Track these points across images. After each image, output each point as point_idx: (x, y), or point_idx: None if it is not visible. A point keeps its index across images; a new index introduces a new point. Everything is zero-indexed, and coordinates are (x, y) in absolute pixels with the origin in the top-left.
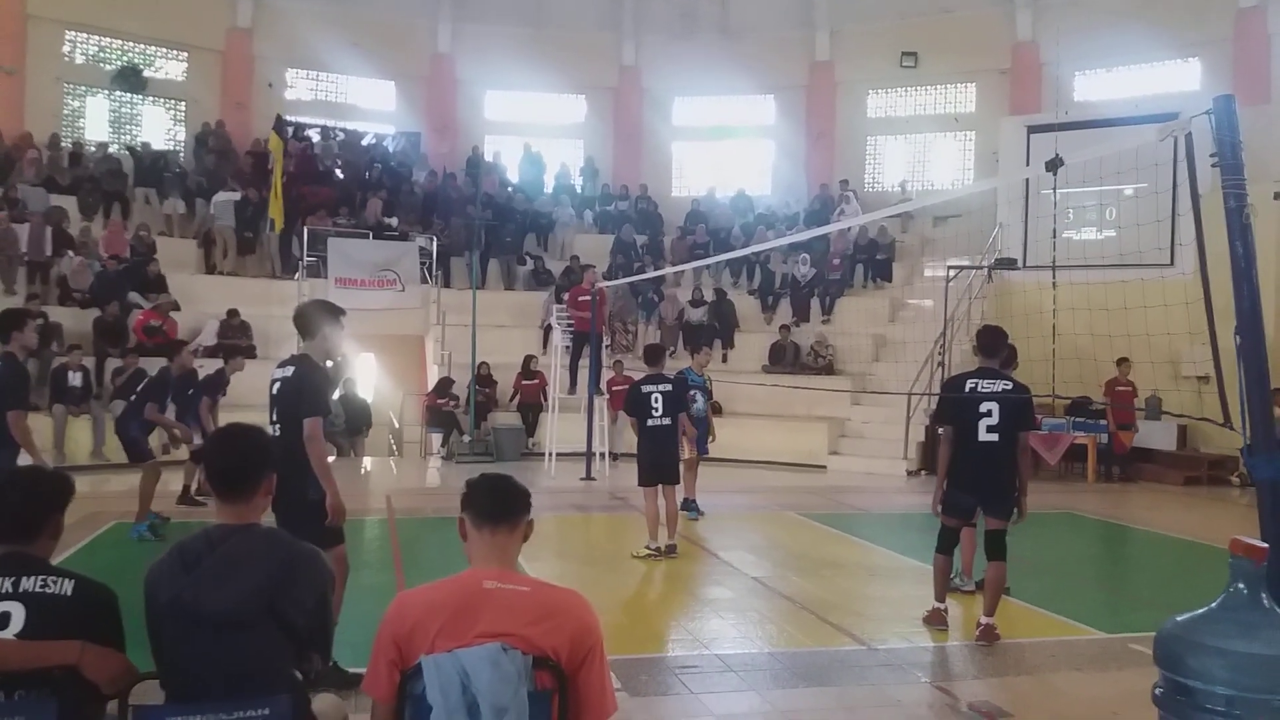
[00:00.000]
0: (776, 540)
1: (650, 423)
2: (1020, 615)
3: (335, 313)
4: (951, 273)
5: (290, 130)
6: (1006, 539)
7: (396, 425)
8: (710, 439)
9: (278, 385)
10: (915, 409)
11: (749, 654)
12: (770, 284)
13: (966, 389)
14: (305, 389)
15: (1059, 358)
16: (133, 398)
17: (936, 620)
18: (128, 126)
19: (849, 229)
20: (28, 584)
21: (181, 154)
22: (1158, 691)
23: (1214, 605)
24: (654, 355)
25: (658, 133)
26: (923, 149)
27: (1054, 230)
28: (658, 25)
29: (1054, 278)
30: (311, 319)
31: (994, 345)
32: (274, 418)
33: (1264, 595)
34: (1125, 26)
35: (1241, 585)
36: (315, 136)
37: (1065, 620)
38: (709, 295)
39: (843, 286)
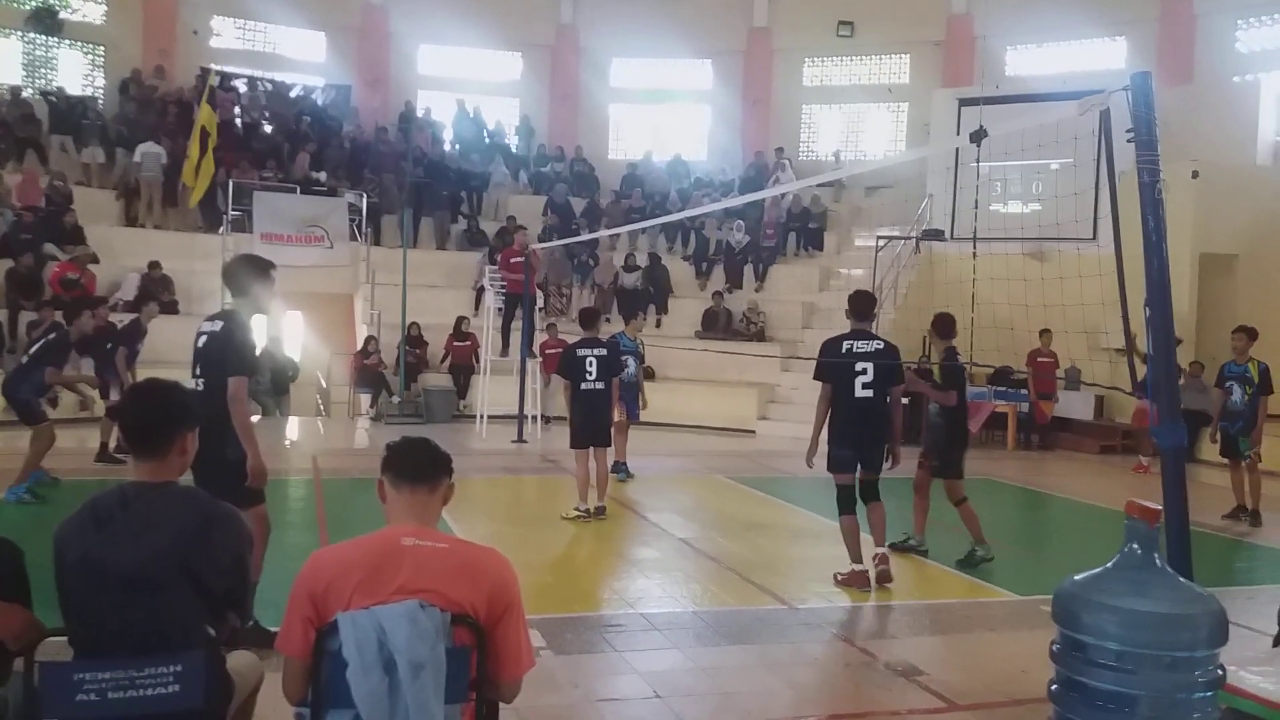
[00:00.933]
0: (704, 503)
1: (584, 386)
2: (937, 578)
3: (266, 268)
4: (881, 242)
5: (218, 79)
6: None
7: (324, 385)
8: (641, 406)
9: (204, 340)
10: None
11: (674, 613)
12: (705, 250)
13: (844, 350)
14: (232, 346)
15: (980, 327)
16: (24, 359)
17: (858, 582)
18: (42, 70)
19: (783, 197)
20: None
21: (101, 101)
22: (1055, 647)
23: (1109, 565)
24: (589, 319)
25: (595, 94)
26: (856, 119)
27: (975, 201)
28: None
29: (974, 249)
30: (241, 275)
31: (865, 309)
32: (197, 373)
33: (1156, 555)
34: (1056, 3)
35: (1135, 546)
36: (242, 87)
37: (980, 583)
38: (643, 260)
39: (775, 254)
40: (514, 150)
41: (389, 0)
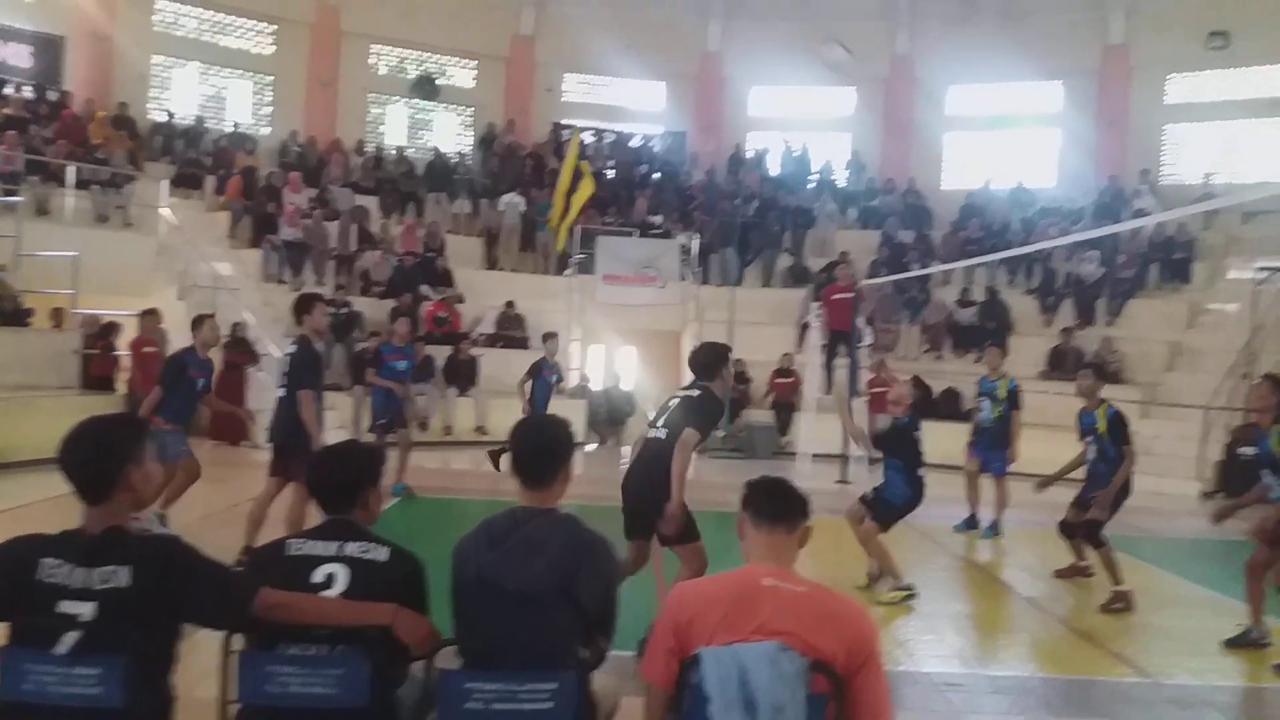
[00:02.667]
0: (1052, 560)
1: None
2: None
3: (727, 353)
4: (1262, 274)
5: (565, 133)
6: None
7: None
8: (1009, 457)
9: (678, 400)
10: (1214, 425)
11: (1019, 676)
12: (1051, 283)
13: None
14: (707, 411)
15: None
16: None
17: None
18: (421, 132)
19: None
20: (350, 549)
21: (467, 158)
22: None
23: None
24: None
25: (929, 124)
26: (1232, 137)
27: None
28: (934, 12)
29: None
30: (717, 360)
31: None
32: (660, 423)
33: None
34: None
35: None
36: (589, 138)
37: None
38: (979, 294)
39: (1134, 287)
40: (840, 185)
41: (725, 47)
